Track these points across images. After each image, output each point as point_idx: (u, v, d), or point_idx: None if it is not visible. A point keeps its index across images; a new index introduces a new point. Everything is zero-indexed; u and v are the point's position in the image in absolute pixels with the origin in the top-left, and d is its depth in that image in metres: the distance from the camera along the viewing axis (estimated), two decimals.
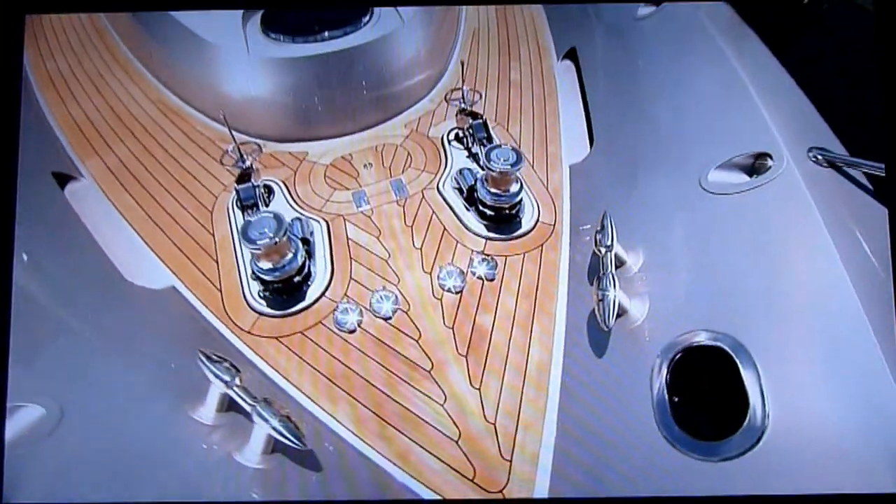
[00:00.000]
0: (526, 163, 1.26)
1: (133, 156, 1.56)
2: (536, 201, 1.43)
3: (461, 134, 1.56)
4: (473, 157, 1.51)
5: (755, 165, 1.19)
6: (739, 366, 0.88)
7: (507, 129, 1.65)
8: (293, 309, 1.19)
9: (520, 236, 1.33)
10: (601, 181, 1.48)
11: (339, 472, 0.94)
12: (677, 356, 0.93)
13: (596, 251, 1.15)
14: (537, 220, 1.37)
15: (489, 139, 1.51)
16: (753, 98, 1.27)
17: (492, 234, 1.33)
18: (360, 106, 1.66)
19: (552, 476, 0.94)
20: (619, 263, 1.17)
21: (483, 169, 1.33)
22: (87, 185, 1.50)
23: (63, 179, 1.49)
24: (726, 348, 0.90)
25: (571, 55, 1.95)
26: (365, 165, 1.51)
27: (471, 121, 1.50)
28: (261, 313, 1.19)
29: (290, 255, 1.18)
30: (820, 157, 1.14)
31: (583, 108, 1.71)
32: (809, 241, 0.98)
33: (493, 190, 1.30)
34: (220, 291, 1.25)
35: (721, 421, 0.87)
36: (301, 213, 1.39)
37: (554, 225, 1.37)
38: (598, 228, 1.22)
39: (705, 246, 1.12)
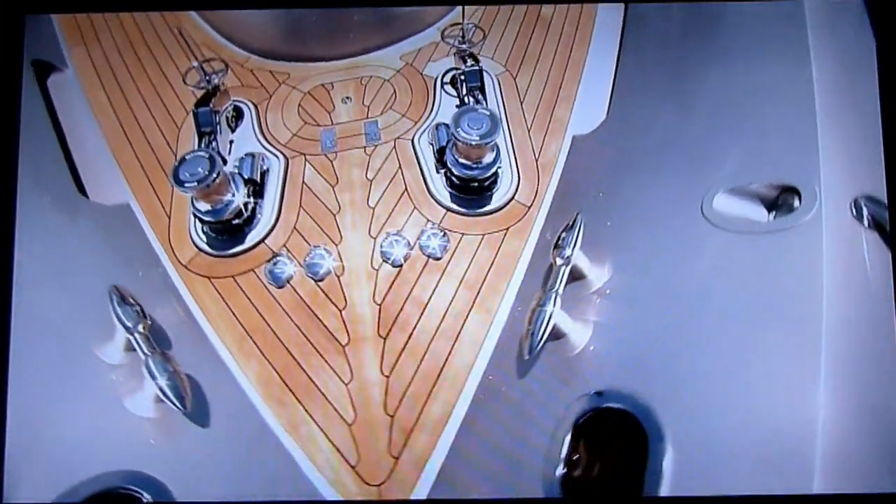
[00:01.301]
0: (500, 134, 1.07)
1: (118, 50, 1.49)
2: (519, 173, 1.25)
3: (458, 78, 1.36)
4: (462, 105, 1.33)
5: (777, 201, 0.94)
6: (648, 445, 0.76)
7: (515, 79, 1.42)
8: (230, 251, 1.16)
9: (485, 213, 1.19)
10: (601, 163, 1.26)
11: (228, 427, 0.96)
12: (587, 414, 0.82)
13: (552, 258, 1.00)
14: (512, 198, 1.22)
15: (482, 90, 1.31)
16: (816, 117, 0.98)
17: (454, 206, 1.19)
18: (360, 24, 1.47)
19: (435, 485, 0.92)
20: (578, 276, 1.03)
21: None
22: (69, 79, 1.47)
23: (46, 69, 1.46)
24: (640, 420, 0.78)
25: None
26: (343, 99, 1.37)
27: (464, 65, 1.29)
28: (200, 249, 1.17)
29: (228, 197, 1.12)
30: (866, 210, 0.87)
31: (614, 67, 1.44)
32: (802, 324, 0.79)
33: (461, 160, 1.14)
34: (169, 218, 1.23)
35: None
36: (264, 146, 1.30)
37: (529, 207, 1.21)
38: (565, 228, 1.06)
39: (684, 285, 0.94)
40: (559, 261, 0.97)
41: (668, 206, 1.06)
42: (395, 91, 1.38)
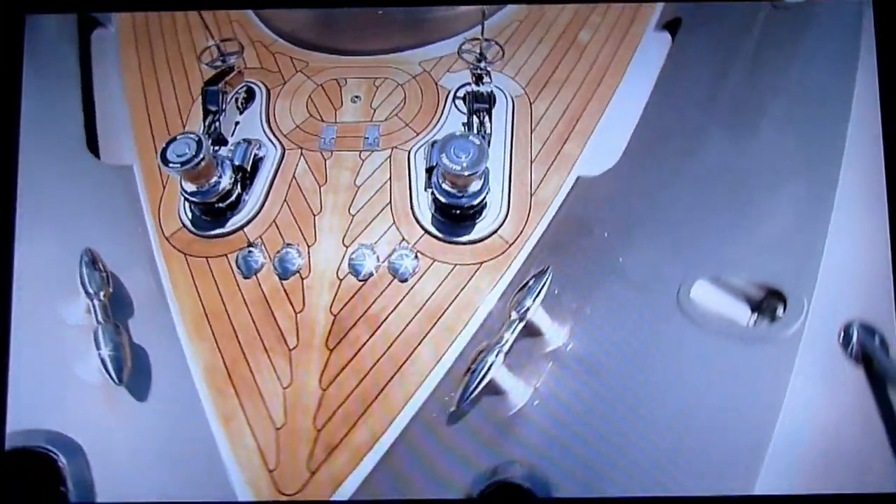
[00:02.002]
0: (485, 165, 1.03)
1: (158, 18, 1.53)
2: (509, 206, 1.21)
3: (467, 96, 1.32)
4: (466, 127, 1.29)
5: (761, 304, 0.86)
6: None
7: (532, 104, 1.36)
8: (210, 232, 1.19)
9: (463, 242, 1.16)
10: (598, 212, 1.20)
11: (164, 406, 0.99)
12: (491, 486, 0.79)
13: (507, 309, 0.96)
14: (494, 231, 1.18)
15: (489, 112, 1.26)
16: (828, 227, 0.89)
17: (433, 228, 1.17)
18: (388, 23, 1.45)
19: None
20: (535, 333, 0.98)
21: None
22: (111, 36, 1.52)
23: (92, 24, 1.52)
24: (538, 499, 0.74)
25: (673, 27, 1.51)
26: (353, 98, 1.35)
27: (473, 85, 1.25)
28: (183, 224, 1.20)
29: (213, 180, 1.14)
30: (856, 341, 0.79)
31: (643, 108, 1.35)
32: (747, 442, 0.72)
33: (445, 186, 1.10)
34: (164, 189, 1.26)
35: None
36: (266, 133, 1.31)
37: (511, 244, 1.16)
38: (534, 276, 1.02)
39: (641, 369, 0.88)
40: (514, 314, 0.94)
41: (647, 280, 1.00)
42: (405, 98, 1.36)
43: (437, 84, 1.38)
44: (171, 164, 1.05)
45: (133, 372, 0.96)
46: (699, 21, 1.55)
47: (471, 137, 1.05)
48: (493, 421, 0.90)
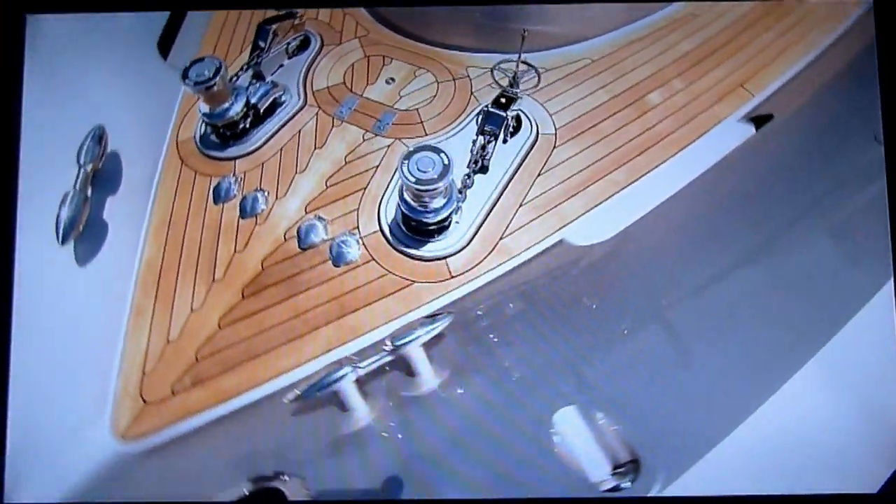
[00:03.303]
0: (446, 184, 0.99)
1: None
2: (474, 237, 1.16)
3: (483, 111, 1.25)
4: (473, 143, 1.23)
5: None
6: None
7: (553, 148, 1.27)
8: (208, 151, 1.28)
9: (408, 255, 1.14)
10: (560, 282, 1.11)
11: (93, 278, 1.10)
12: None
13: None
14: (444, 257, 1.14)
15: (495, 136, 1.19)
16: None
17: (386, 229, 1.15)
18: (467, 20, 1.41)
19: (172, 442, 0.97)
20: (407, 371, 0.93)
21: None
22: None
23: None
24: None
25: (761, 122, 1.31)
26: (388, 80, 1.36)
27: (489, 105, 1.18)
28: (193, 136, 1.31)
29: (225, 107, 1.22)
30: None
31: (665, 199, 1.20)
32: None
33: (406, 195, 1.08)
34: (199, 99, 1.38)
35: None
36: (298, 83, 1.36)
37: (452, 277, 1.12)
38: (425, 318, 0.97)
39: None
40: (389, 343, 0.92)
41: (546, 378, 0.92)
42: (435, 96, 1.34)
43: (472, 93, 1.35)
44: (187, 81, 1.14)
45: (83, 239, 1.10)
46: (795, 128, 1.34)
47: (441, 154, 1.02)
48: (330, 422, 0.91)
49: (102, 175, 1.19)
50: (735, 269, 1.22)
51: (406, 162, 1.01)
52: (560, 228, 1.19)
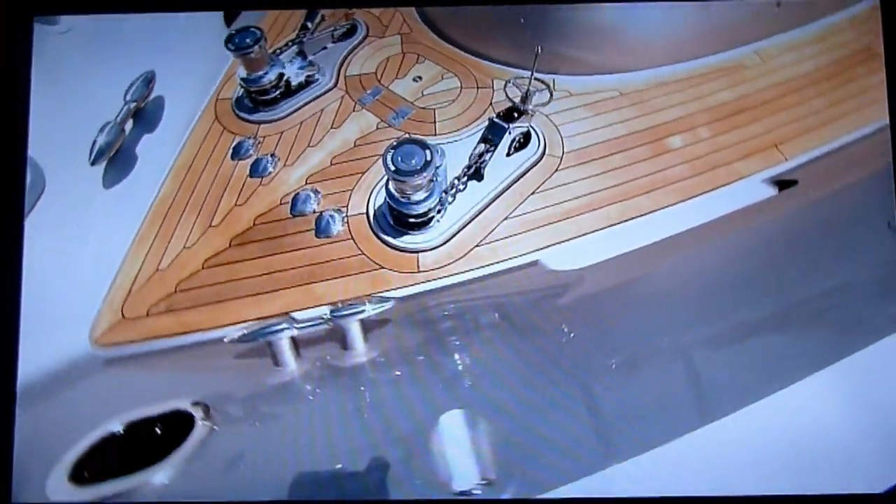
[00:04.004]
0: (425, 179, 1.03)
1: None
2: (451, 238, 1.18)
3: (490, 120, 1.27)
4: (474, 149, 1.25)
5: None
6: None
7: (557, 169, 1.26)
8: (240, 112, 1.38)
9: (384, 241, 1.18)
10: (527, 301, 1.11)
11: (111, 197, 1.23)
12: None
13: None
14: (417, 251, 1.17)
15: (494, 147, 1.20)
16: None
17: (372, 215, 1.21)
18: (514, 37, 1.42)
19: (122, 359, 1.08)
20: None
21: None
22: None
23: None
24: None
25: (784, 186, 1.23)
26: (415, 78, 1.41)
27: (494, 116, 1.20)
28: (231, 97, 1.43)
29: (259, 74, 1.33)
30: None
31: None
32: None
33: (391, 185, 1.13)
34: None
35: None
36: (334, 66, 1.44)
37: (419, 271, 1.15)
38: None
39: None
40: (327, 313, 0.97)
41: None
42: (455, 99, 1.38)
43: (491, 104, 1.37)
44: (229, 46, 1.27)
45: (111, 166, 1.24)
46: (821, 197, 1.26)
47: (427, 150, 1.06)
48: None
49: (144, 114, 1.34)
50: (731, 328, 1.17)
51: (391, 151, 1.06)
52: (539, 249, 1.20)
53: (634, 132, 1.35)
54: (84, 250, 1.20)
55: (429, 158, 1.05)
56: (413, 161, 1.05)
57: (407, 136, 1.31)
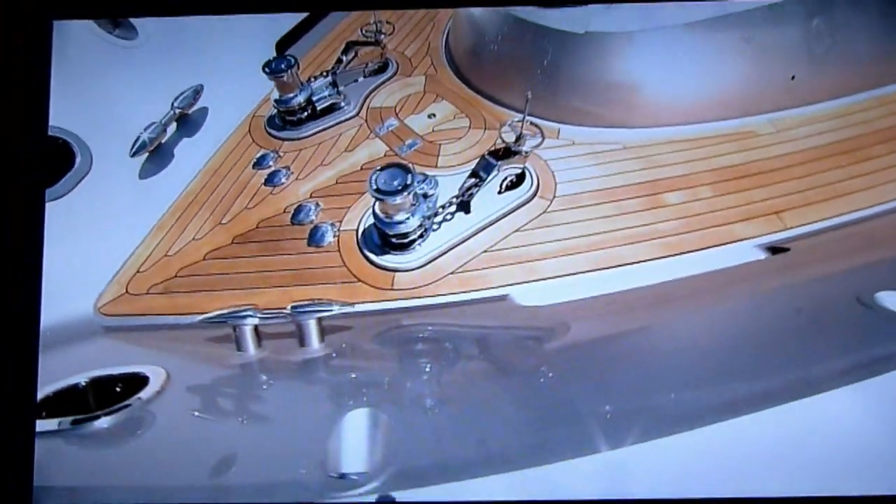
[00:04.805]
0: (402, 200, 1.10)
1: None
2: (428, 263, 1.22)
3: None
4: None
5: None
6: None
7: (545, 211, 1.28)
8: (269, 129, 1.53)
9: (366, 258, 1.24)
10: (489, 332, 1.12)
11: (142, 187, 1.39)
12: None
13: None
14: (394, 270, 1.22)
15: (481, 182, 1.24)
16: None
17: (360, 231, 1.28)
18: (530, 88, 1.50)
19: None
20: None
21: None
22: None
23: None
24: None
25: (777, 251, 1.18)
26: (430, 115, 1.51)
27: (487, 154, 1.25)
28: (266, 116, 1.58)
29: (290, 96, 1.47)
30: None
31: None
32: None
33: (376, 207, 1.20)
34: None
35: None
36: (360, 98, 1.57)
37: (392, 289, 1.20)
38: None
39: None
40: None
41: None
42: (462, 137, 1.45)
43: (494, 144, 1.44)
44: (265, 70, 1.44)
45: (150, 160, 1.42)
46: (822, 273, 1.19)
47: (410, 174, 1.13)
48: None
49: (188, 121, 1.53)
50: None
51: (377, 172, 1.15)
52: (510, 285, 1.22)
53: (631, 184, 1.36)
54: (110, 230, 1.36)
55: (409, 182, 1.13)
56: (395, 182, 1.13)
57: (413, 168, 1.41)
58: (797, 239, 1.27)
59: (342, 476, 0.87)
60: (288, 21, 1.73)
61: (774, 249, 1.23)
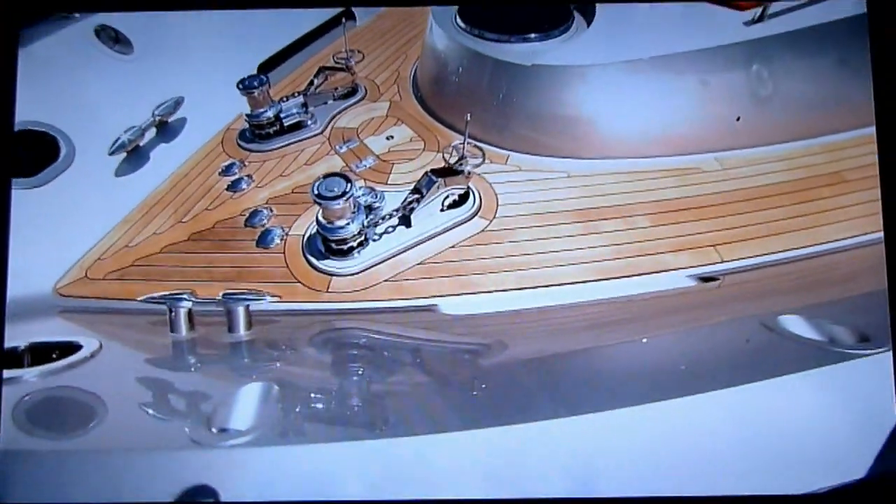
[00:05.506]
0: (338, 206, 1.18)
1: None
2: (364, 270, 1.28)
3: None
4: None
5: None
6: None
7: (484, 229, 1.33)
8: (240, 141, 1.63)
9: (308, 262, 1.30)
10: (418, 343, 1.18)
11: (114, 182, 1.50)
12: None
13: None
14: (331, 274, 1.27)
15: (421, 197, 1.30)
16: None
17: (306, 236, 1.35)
18: (486, 120, 1.56)
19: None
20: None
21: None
22: None
23: None
24: None
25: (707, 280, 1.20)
26: (388, 136, 1.59)
27: (430, 171, 1.31)
28: (238, 130, 1.69)
29: (260, 111, 1.58)
30: None
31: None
32: None
33: (318, 214, 1.27)
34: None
35: None
36: (326, 120, 1.66)
37: (328, 291, 1.25)
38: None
39: None
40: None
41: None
42: (415, 158, 1.53)
43: (449, 162, 1.50)
44: (238, 86, 1.55)
45: (126, 160, 1.52)
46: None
47: (348, 183, 1.20)
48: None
49: (166, 129, 1.65)
50: None
51: (319, 180, 1.23)
52: (439, 297, 1.26)
53: (571, 210, 1.41)
54: (81, 220, 1.46)
55: (347, 189, 1.20)
56: (334, 190, 1.21)
57: (367, 183, 1.49)
58: (732, 272, 1.30)
59: (223, 430, 0.91)
60: (273, 45, 1.89)
61: (705, 279, 1.25)
